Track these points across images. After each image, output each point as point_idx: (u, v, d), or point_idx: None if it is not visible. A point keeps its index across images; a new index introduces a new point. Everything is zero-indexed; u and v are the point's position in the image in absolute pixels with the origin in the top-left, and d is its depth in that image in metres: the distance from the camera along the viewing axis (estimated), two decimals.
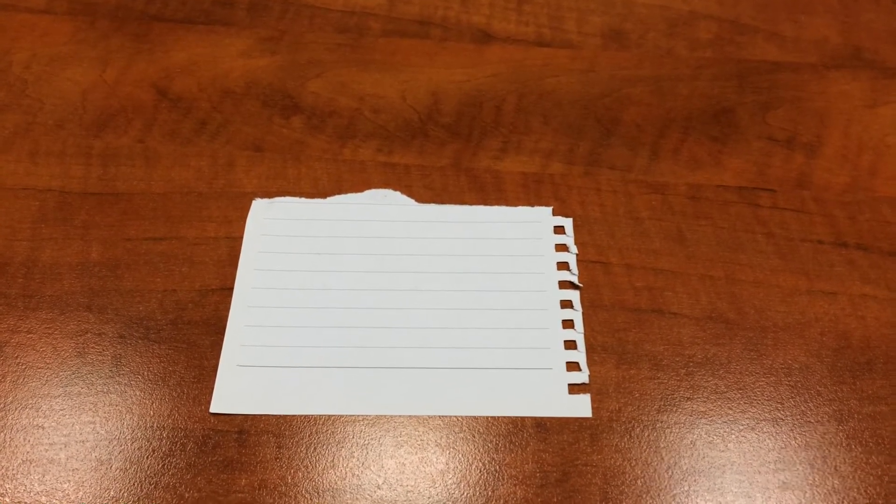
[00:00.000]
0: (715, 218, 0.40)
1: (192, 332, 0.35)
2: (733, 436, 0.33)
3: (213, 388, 0.33)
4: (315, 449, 0.32)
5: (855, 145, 0.43)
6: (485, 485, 0.31)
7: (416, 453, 0.32)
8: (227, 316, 0.35)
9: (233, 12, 0.49)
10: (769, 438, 0.33)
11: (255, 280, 0.36)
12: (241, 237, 0.38)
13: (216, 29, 0.47)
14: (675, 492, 0.31)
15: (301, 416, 0.33)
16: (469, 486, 0.31)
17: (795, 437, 0.33)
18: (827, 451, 0.33)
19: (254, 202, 0.39)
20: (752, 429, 0.33)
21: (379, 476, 0.32)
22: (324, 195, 0.40)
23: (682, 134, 0.43)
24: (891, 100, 0.45)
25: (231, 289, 0.36)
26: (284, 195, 0.39)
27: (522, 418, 0.33)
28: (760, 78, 0.46)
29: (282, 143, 0.42)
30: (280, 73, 0.45)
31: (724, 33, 0.48)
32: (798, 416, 0.33)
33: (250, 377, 0.33)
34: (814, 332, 0.36)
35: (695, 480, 0.32)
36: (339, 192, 0.40)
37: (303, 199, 0.39)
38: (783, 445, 0.33)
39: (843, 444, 0.33)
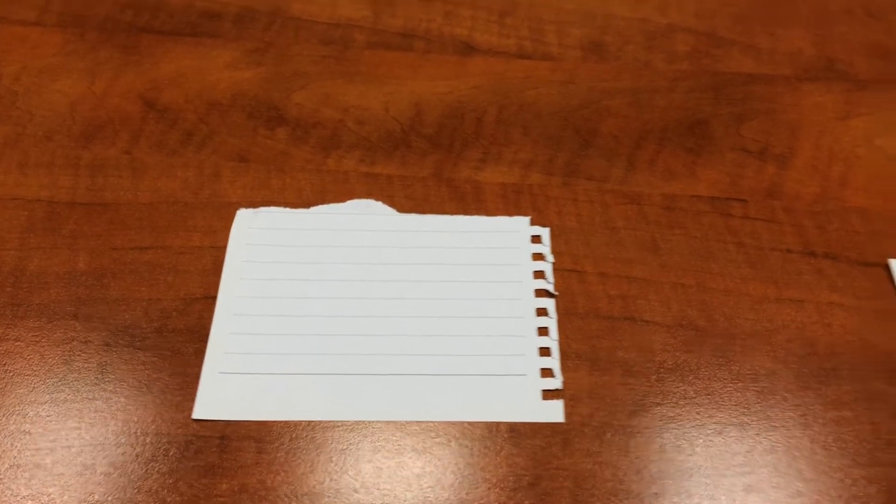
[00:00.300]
0: (688, 227, 0.41)
1: (176, 339, 0.36)
2: (701, 440, 0.34)
3: (196, 395, 0.34)
4: (294, 454, 0.33)
5: (826, 156, 0.44)
6: (459, 488, 0.32)
7: (393, 458, 0.33)
8: (210, 324, 0.36)
9: (220, 24, 0.50)
10: (735, 442, 0.34)
11: (238, 289, 0.37)
12: (226, 247, 0.39)
13: (203, 41, 0.48)
14: (643, 495, 0.32)
15: (281, 421, 0.34)
16: (444, 489, 0.32)
17: (761, 442, 0.34)
18: (791, 455, 0.34)
19: (238, 212, 0.40)
20: (719, 433, 0.34)
21: (356, 480, 0.32)
22: (307, 205, 0.41)
23: (658, 145, 0.44)
24: (863, 112, 0.46)
25: (215, 297, 0.37)
26: (269, 205, 0.40)
27: (497, 423, 0.34)
28: (735, 90, 0.47)
29: (266, 154, 0.43)
30: (265, 84, 0.46)
31: (700, 46, 0.49)
32: (764, 421, 0.34)
33: (232, 384, 0.34)
34: (781, 339, 0.37)
35: (663, 483, 0.33)
36: (323, 202, 0.41)
37: (286, 209, 0.40)
38: (749, 449, 0.34)
39: (808, 448, 0.34)
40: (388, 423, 0.34)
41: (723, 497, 0.32)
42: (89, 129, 0.44)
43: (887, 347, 0.37)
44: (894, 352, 0.36)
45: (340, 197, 0.41)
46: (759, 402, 0.35)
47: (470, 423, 0.34)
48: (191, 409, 0.34)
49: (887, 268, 0.39)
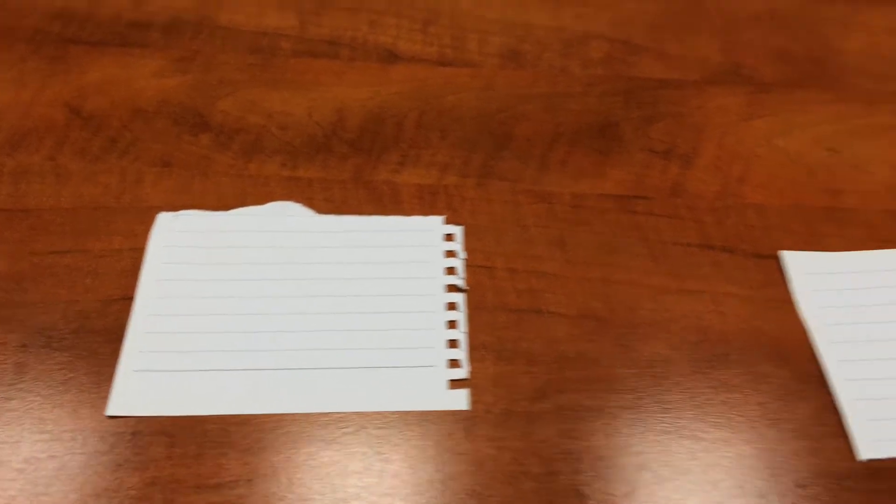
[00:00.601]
0: (594, 224, 0.43)
1: (93, 340, 0.37)
2: (598, 423, 0.35)
3: (110, 393, 0.35)
4: (205, 447, 0.34)
5: (728, 156, 0.46)
6: (365, 474, 0.33)
7: (304, 448, 0.34)
8: (127, 324, 0.37)
9: (147, 34, 0.51)
10: (630, 425, 0.35)
11: (156, 290, 0.38)
12: (145, 249, 0.40)
13: (131, 51, 0.50)
14: (540, 476, 0.34)
15: (193, 416, 0.35)
16: (351, 476, 0.33)
17: (654, 424, 0.36)
18: (682, 435, 0.35)
19: (158, 215, 0.41)
20: (615, 416, 0.36)
21: (268, 471, 0.33)
22: (228, 208, 0.42)
23: (569, 147, 0.46)
24: (765, 113, 0.48)
25: (133, 298, 0.38)
26: (190, 209, 0.42)
27: (405, 412, 0.36)
28: (645, 94, 0.49)
29: (189, 159, 0.44)
30: (191, 92, 0.48)
31: (615, 53, 0.52)
32: (657, 405, 0.36)
33: (146, 381, 0.35)
34: (677, 328, 0.39)
35: (559, 464, 0.34)
36: (243, 206, 0.42)
37: (206, 212, 0.41)
38: (642, 430, 0.35)
39: (698, 429, 0.36)
40: (300, 415, 0.35)
41: (616, 476, 0.34)
42: (14, 137, 0.45)
43: (775, 333, 0.39)
44: (781, 337, 0.39)
45: (261, 200, 0.42)
46: (654, 387, 0.37)
47: (379, 413, 0.35)
48: (105, 406, 0.35)
49: (778, 259, 0.42)
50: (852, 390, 0.37)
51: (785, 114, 0.48)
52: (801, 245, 0.42)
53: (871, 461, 0.35)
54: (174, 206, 0.42)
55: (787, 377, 0.37)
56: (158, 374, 0.36)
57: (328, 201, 0.43)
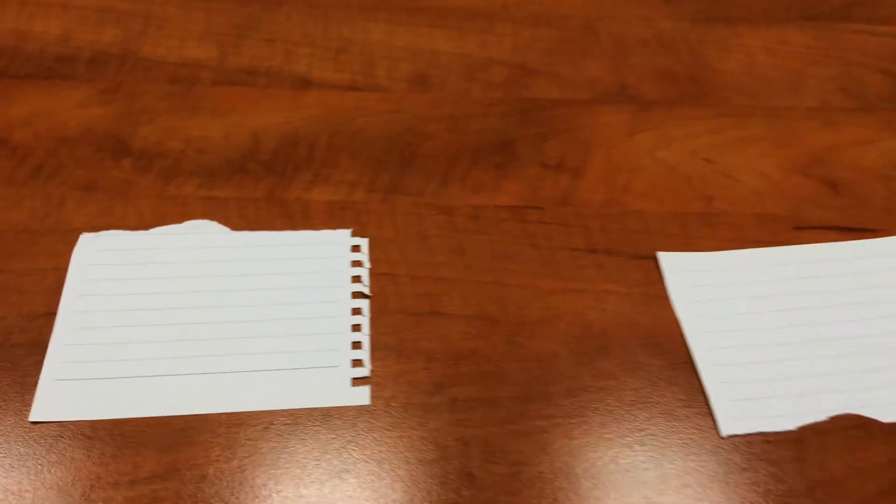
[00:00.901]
0: (491, 233, 0.46)
1: (17, 353, 0.39)
2: (488, 412, 0.39)
3: (33, 401, 0.38)
4: (122, 448, 0.37)
5: (613, 168, 0.50)
6: (274, 466, 0.36)
7: (216, 445, 0.37)
8: (50, 337, 0.40)
9: (73, 67, 0.54)
10: (516, 413, 0.39)
11: (78, 305, 0.41)
12: (68, 268, 0.43)
13: (57, 83, 0.52)
14: (432, 462, 0.37)
15: (111, 419, 0.38)
16: (259, 467, 0.36)
17: (540, 410, 0.39)
18: (565, 421, 0.39)
19: (81, 236, 0.44)
20: (504, 406, 0.39)
21: (183, 465, 0.36)
22: (147, 228, 0.45)
23: (470, 163, 0.50)
24: (647, 128, 0.53)
25: (55, 314, 0.41)
26: (111, 230, 0.44)
27: (311, 409, 0.39)
28: (540, 113, 0.53)
29: (111, 183, 0.47)
30: (114, 121, 0.50)
31: (513, 76, 0.56)
32: (542, 393, 0.40)
33: (67, 389, 0.38)
34: (563, 324, 0.43)
35: (451, 450, 0.37)
36: (162, 225, 0.45)
37: (126, 232, 0.44)
38: (531, 417, 0.39)
39: (579, 414, 0.39)
40: (213, 415, 0.38)
41: (503, 458, 0.37)
42: None
43: (651, 326, 0.43)
44: (656, 329, 0.43)
45: (179, 219, 0.45)
46: (539, 378, 0.40)
47: (287, 411, 0.38)
48: (28, 413, 0.37)
49: (656, 259, 0.46)
50: (717, 375, 0.41)
51: (666, 128, 0.53)
52: (676, 246, 0.46)
53: (731, 436, 0.39)
54: (96, 228, 0.45)
55: (661, 365, 0.42)
56: (79, 382, 0.38)
57: (243, 218, 0.46)
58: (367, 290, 0.43)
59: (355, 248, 0.45)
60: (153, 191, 0.47)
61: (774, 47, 0.60)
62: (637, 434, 0.39)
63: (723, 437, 0.39)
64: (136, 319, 0.41)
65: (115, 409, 0.38)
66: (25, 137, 0.49)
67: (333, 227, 0.46)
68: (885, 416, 0.40)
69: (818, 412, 0.40)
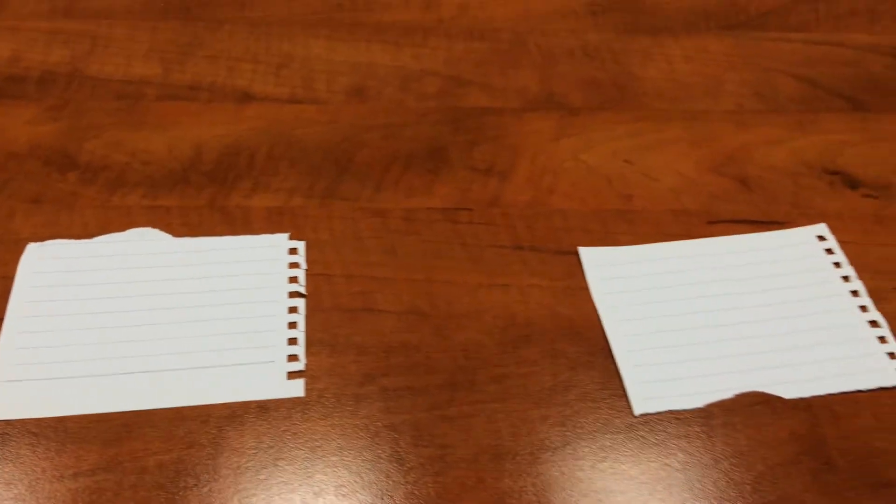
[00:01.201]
0: (422, 234, 0.49)
1: None
2: (405, 400, 0.41)
3: None
4: (66, 443, 0.39)
5: (539, 170, 0.53)
6: (212, 454, 0.39)
7: (157, 437, 0.39)
8: None
9: (23, 87, 0.56)
10: (445, 400, 0.41)
11: (24, 310, 0.43)
12: (15, 276, 0.45)
13: (6, 102, 0.55)
14: (363, 448, 0.39)
15: (56, 417, 0.39)
16: (198, 457, 0.38)
17: (465, 396, 0.42)
18: (489, 406, 0.42)
19: (28, 246, 0.46)
20: (431, 393, 0.42)
21: (124, 457, 0.38)
22: (92, 237, 0.47)
23: (403, 169, 0.53)
24: (572, 133, 0.56)
25: (3, 319, 0.43)
26: (57, 239, 0.46)
27: (248, 402, 0.41)
28: (471, 121, 0.56)
29: (57, 195, 0.49)
30: (61, 136, 0.53)
31: (446, 87, 0.59)
32: (469, 380, 0.42)
33: (13, 389, 0.40)
34: (489, 317, 0.45)
35: (382, 437, 0.40)
36: (106, 233, 0.47)
37: (72, 241, 0.46)
38: (457, 403, 0.41)
39: (502, 399, 0.42)
40: (154, 410, 0.40)
41: (430, 441, 0.40)
42: None
43: (571, 316, 0.46)
44: (577, 318, 0.45)
45: (123, 228, 0.48)
46: (466, 366, 0.43)
47: (225, 404, 0.41)
48: None
49: (577, 254, 0.49)
50: (631, 359, 0.44)
51: (589, 133, 0.56)
52: (597, 242, 0.49)
53: (643, 415, 0.42)
54: (42, 238, 0.47)
55: (580, 352, 0.44)
56: (25, 382, 0.40)
57: (185, 225, 0.48)
58: (303, 290, 0.46)
59: (293, 251, 0.47)
60: (98, 201, 0.49)
61: (694, 55, 0.63)
62: (557, 416, 0.42)
63: (636, 416, 0.42)
64: (80, 323, 0.43)
65: (60, 407, 0.40)
66: None
67: (272, 232, 0.48)
68: (787, 392, 0.43)
69: (725, 390, 0.43)
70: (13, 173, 0.50)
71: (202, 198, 0.50)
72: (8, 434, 0.39)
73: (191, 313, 0.44)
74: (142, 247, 0.46)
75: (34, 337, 0.42)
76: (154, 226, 0.48)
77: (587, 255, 0.49)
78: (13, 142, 0.52)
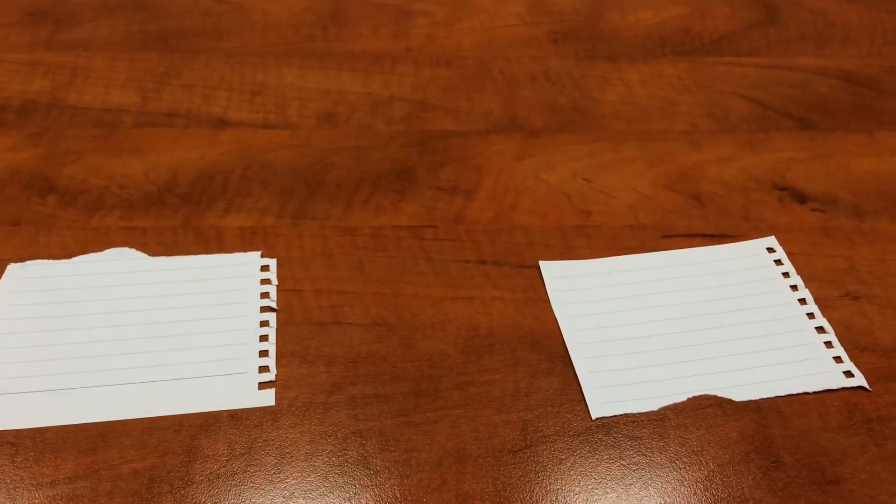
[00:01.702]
0: (390, 250, 0.51)
1: None
2: (372, 407, 0.43)
3: None
4: (44, 453, 0.40)
5: (502, 189, 0.56)
6: (186, 460, 0.40)
7: (132, 445, 0.41)
8: None
9: (4, 115, 0.58)
10: (411, 407, 0.43)
11: (4, 327, 0.45)
12: None
13: None
14: (332, 453, 0.41)
15: (34, 428, 0.41)
16: (172, 465, 0.40)
17: (430, 403, 0.44)
18: (453, 412, 0.43)
19: (8, 266, 0.48)
20: (397, 400, 0.44)
21: (101, 465, 0.39)
22: (70, 257, 0.49)
23: (371, 189, 0.55)
24: (534, 154, 0.59)
25: None
26: (36, 259, 0.48)
27: (219, 411, 0.43)
28: (437, 143, 0.59)
29: (37, 218, 0.51)
30: (41, 162, 0.55)
31: (413, 111, 0.61)
32: (432, 388, 0.44)
33: None
34: (453, 328, 0.47)
35: (350, 441, 0.41)
36: (84, 254, 0.49)
37: (51, 261, 0.48)
38: (422, 410, 0.43)
39: (465, 405, 0.44)
40: (129, 420, 0.42)
41: (396, 447, 0.41)
42: None
43: (532, 326, 0.48)
44: (537, 328, 0.48)
45: (100, 248, 0.49)
46: (430, 375, 0.45)
47: (198, 414, 0.42)
48: None
49: (538, 268, 0.51)
50: (588, 366, 0.46)
51: (550, 153, 0.59)
52: (557, 256, 0.52)
53: (600, 419, 0.44)
54: (22, 258, 0.48)
55: (540, 360, 0.46)
56: (4, 395, 0.42)
57: (160, 245, 0.50)
58: (274, 305, 0.47)
59: (265, 268, 0.49)
60: (76, 223, 0.51)
61: (650, 79, 0.67)
62: (518, 420, 0.43)
63: (593, 420, 0.44)
64: (58, 338, 0.44)
65: (38, 418, 0.41)
66: None
67: (245, 251, 0.50)
68: (738, 395, 0.45)
69: (678, 394, 0.45)
70: None
71: (177, 218, 0.52)
72: None
73: (166, 328, 0.45)
74: (119, 266, 0.48)
75: (14, 352, 0.44)
76: (131, 246, 0.50)
77: (547, 268, 0.51)
78: None
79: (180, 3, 0.71)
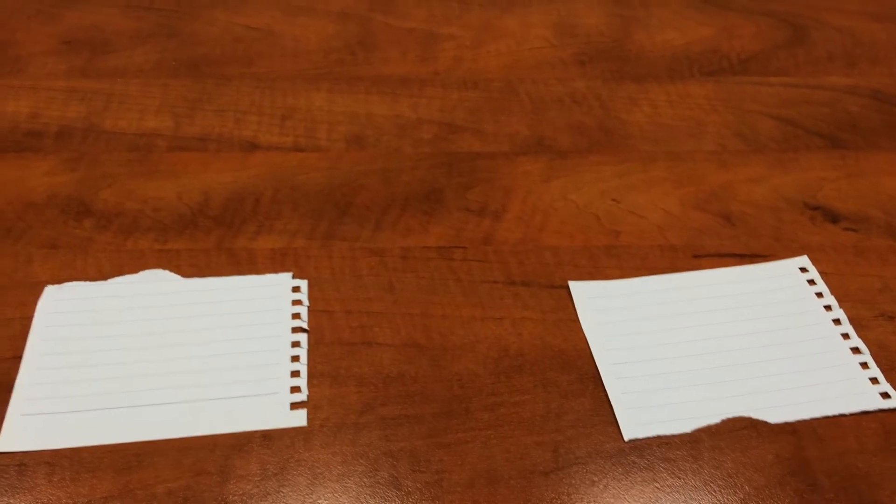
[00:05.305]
0: (419, 271, 0.51)
1: None
2: (403, 428, 0.43)
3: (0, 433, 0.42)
4: (80, 472, 0.41)
5: (530, 210, 0.56)
6: (220, 479, 0.40)
7: (167, 465, 0.41)
8: (16, 378, 0.44)
9: (41, 141, 0.59)
10: (441, 428, 0.43)
11: (42, 348, 0.46)
12: (33, 316, 0.47)
13: (25, 155, 0.58)
14: (363, 474, 0.41)
15: (71, 448, 0.41)
16: (207, 484, 0.40)
17: (460, 424, 0.44)
18: (484, 433, 0.43)
19: (46, 288, 0.49)
20: (428, 421, 0.44)
21: (136, 484, 0.40)
22: (106, 278, 0.50)
23: (400, 210, 0.56)
24: (561, 175, 0.59)
25: (22, 357, 0.45)
26: (73, 281, 0.49)
27: (253, 432, 0.43)
28: (465, 165, 0.59)
29: (74, 241, 0.52)
30: (77, 186, 0.56)
31: (441, 133, 0.62)
32: (463, 408, 0.44)
33: (32, 422, 0.42)
34: (482, 348, 0.47)
35: (382, 462, 0.42)
36: (120, 275, 0.50)
37: (87, 283, 0.49)
38: (453, 431, 0.43)
39: (496, 426, 0.44)
40: (163, 440, 0.42)
41: (427, 467, 0.41)
42: None
43: (562, 346, 0.48)
44: (567, 349, 0.47)
45: (135, 270, 0.50)
46: (460, 395, 0.45)
47: (232, 434, 0.43)
48: None
49: (567, 288, 0.51)
50: (619, 387, 0.46)
51: (577, 174, 0.59)
52: (586, 276, 0.52)
53: (633, 440, 0.43)
54: (59, 280, 0.49)
55: (571, 380, 0.46)
56: (43, 416, 0.43)
57: (194, 267, 0.51)
58: (305, 325, 0.48)
59: (296, 289, 0.50)
60: (112, 246, 0.52)
61: (677, 100, 0.66)
62: (549, 442, 0.43)
63: (626, 442, 0.43)
64: (95, 358, 0.45)
65: (75, 438, 0.42)
66: None
67: (276, 272, 0.51)
68: (773, 417, 0.45)
69: (712, 416, 0.45)
70: (31, 221, 0.53)
71: (210, 241, 0.52)
72: (25, 464, 0.41)
73: (199, 349, 0.46)
74: (153, 287, 0.49)
75: (51, 373, 0.44)
76: (165, 268, 0.50)
77: (577, 288, 0.51)
78: (32, 192, 0.55)
79: (212, 30, 0.72)
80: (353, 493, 0.41)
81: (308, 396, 0.44)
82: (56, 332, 0.46)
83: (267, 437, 0.43)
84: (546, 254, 0.53)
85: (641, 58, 0.71)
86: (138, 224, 0.53)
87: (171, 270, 0.50)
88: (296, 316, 0.48)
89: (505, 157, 0.60)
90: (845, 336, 0.49)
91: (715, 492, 0.41)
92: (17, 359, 0.45)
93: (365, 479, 0.41)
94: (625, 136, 0.63)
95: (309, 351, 0.46)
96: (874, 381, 0.46)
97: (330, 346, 0.47)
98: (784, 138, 0.63)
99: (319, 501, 0.40)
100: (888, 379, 0.46)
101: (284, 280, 0.50)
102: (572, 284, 0.51)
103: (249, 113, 0.63)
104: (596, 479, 0.42)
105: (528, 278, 0.52)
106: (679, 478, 0.42)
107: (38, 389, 0.44)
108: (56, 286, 0.48)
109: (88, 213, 0.54)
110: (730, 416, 0.45)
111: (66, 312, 0.47)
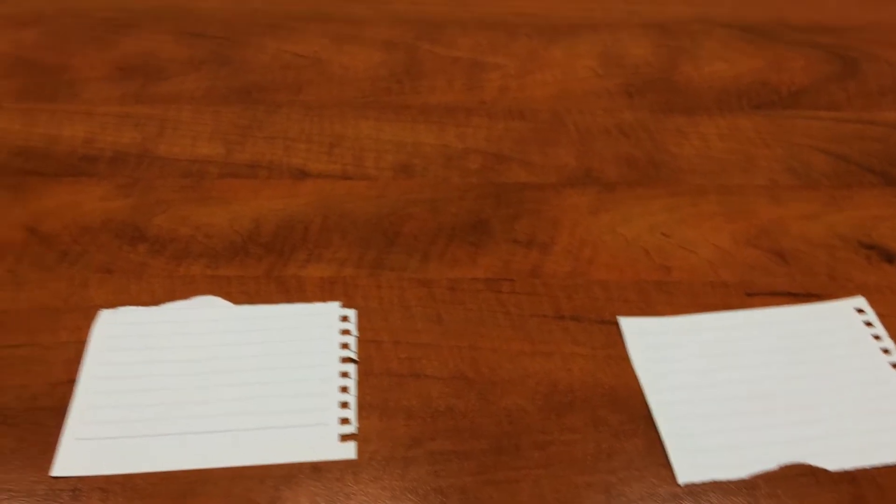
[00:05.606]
0: (467, 303, 0.51)
1: (41, 415, 0.44)
2: (452, 463, 0.43)
3: (54, 458, 0.42)
4: (134, 499, 0.41)
5: (578, 243, 0.56)
6: None
7: (218, 494, 0.41)
8: (71, 402, 0.44)
9: (96, 166, 0.60)
10: (491, 464, 0.43)
11: (96, 372, 0.46)
12: (88, 340, 0.48)
13: (81, 180, 0.59)
14: None
15: (124, 474, 0.42)
16: None
17: (509, 461, 0.43)
18: (534, 472, 0.43)
19: (100, 312, 0.49)
20: (479, 457, 0.43)
21: None
22: (159, 304, 0.50)
23: (447, 241, 0.55)
24: (609, 207, 0.58)
25: (76, 381, 0.45)
26: (127, 306, 0.50)
27: (302, 463, 0.43)
28: (512, 195, 0.59)
29: (128, 266, 0.53)
30: (132, 211, 0.57)
31: (488, 163, 0.62)
32: (513, 446, 0.44)
33: (86, 447, 0.43)
34: (531, 383, 0.47)
35: (430, 499, 0.41)
36: (172, 301, 0.50)
37: (141, 308, 0.50)
38: (503, 468, 0.43)
39: (546, 465, 0.43)
40: (215, 469, 0.42)
41: (473, 501, 0.41)
42: None
43: (613, 384, 0.47)
44: (618, 386, 0.47)
45: (187, 296, 0.51)
46: (510, 432, 0.44)
47: (281, 465, 0.42)
48: (50, 469, 0.41)
49: (618, 324, 0.50)
50: (673, 427, 0.45)
51: (626, 207, 0.58)
52: (636, 312, 0.51)
53: (688, 484, 0.42)
54: (114, 305, 0.50)
55: (622, 419, 0.45)
56: (96, 441, 0.43)
57: (244, 294, 0.51)
58: (354, 356, 0.48)
59: (344, 319, 0.50)
60: (165, 271, 0.52)
61: (727, 133, 0.66)
62: (601, 483, 0.42)
63: (680, 485, 0.42)
64: (147, 384, 0.45)
65: (128, 464, 0.42)
66: (53, 227, 0.55)
67: (325, 300, 0.51)
68: (832, 464, 0.44)
69: (769, 461, 0.44)
70: (87, 245, 0.54)
71: (260, 268, 0.53)
72: (79, 489, 0.41)
73: (249, 376, 0.46)
74: (204, 314, 0.49)
75: (105, 397, 0.45)
76: (216, 294, 0.51)
77: (627, 324, 0.50)
78: (87, 216, 0.56)
79: (262, 58, 0.73)
80: None
81: (357, 428, 0.44)
82: (110, 356, 0.47)
83: (316, 468, 0.43)
84: (595, 288, 0.53)
85: (689, 89, 0.71)
86: (190, 250, 0.54)
87: (221, 297, 0.51)
88: (344, 346, 0.48)
89: (552, 189, 0.60)
90: None
91: None
92: (72, 382, 0.45)
93: None
94: (674, 170, 0.62)
95: (358, 382, 0.46)
96: None
97: (378, 377, 0.47)
98: (836, 174, 0.62)
99: None
100: None
101: (333, 309, 0.50)
102: (622, 321, 0.51)
103: (299, 140, 0.64)
104: None
105: (577, 313, 0.51)
106: None
107: (93, 414, 0.44)
108: (110, 310, 0.49)
109: (142, 238, 0.55)
110: (787, 461, 0.43)
111: (119, 337, 0.48)
